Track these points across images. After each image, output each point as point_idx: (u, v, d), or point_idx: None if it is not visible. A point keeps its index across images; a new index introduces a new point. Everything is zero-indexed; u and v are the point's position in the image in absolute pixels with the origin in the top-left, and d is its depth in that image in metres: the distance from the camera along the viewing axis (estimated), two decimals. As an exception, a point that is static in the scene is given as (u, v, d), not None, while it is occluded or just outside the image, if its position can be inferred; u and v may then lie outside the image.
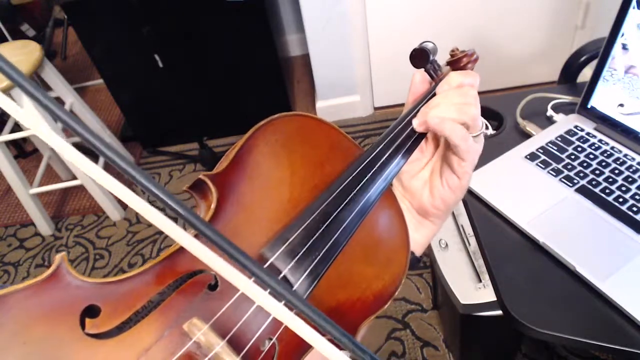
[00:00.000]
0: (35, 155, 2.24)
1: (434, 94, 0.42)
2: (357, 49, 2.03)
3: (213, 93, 2.14)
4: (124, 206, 2.02)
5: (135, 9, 1.61)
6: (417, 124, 0.42)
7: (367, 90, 2.19)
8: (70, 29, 2.78)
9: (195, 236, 0.23)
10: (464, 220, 1.15)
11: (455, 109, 0.39)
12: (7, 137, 1.72)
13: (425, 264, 1.54)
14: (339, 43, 2.00)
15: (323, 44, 2.01)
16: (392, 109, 2.25)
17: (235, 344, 0.31)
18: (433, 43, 0.45)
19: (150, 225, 1.94)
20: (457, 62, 0.47)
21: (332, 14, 1.91)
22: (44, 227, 1.96)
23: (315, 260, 0.35)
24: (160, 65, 1.76)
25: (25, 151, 2.24)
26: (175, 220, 0.21)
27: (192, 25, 1.92)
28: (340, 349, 0.23)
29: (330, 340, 0.24)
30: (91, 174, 0.19)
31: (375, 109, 2.27)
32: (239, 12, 1.83)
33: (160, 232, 1.90)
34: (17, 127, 1.85)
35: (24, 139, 2.16)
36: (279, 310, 0.22)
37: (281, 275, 0.34)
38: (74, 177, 1.86)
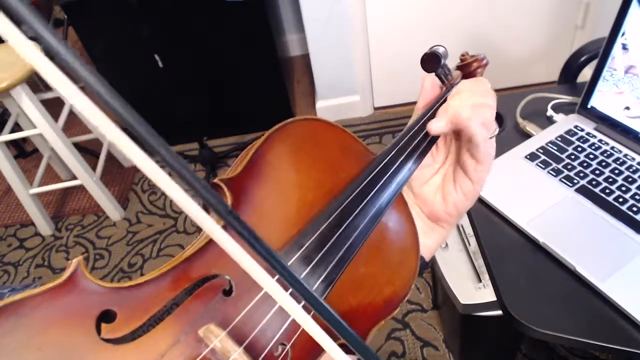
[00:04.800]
0: (35, 155, 2.24)
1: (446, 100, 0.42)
2: (357, 49, 2.03)
3: (213, 93, 2.14)
4: (124, 206, 2.02)
5: (135, 9, 1.61)
6: (440, 126, 0.40)
7: (367, 90, 2.19)
8: (71, 29, 2.78)
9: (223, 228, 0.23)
10: (464, 220, 1.15)
11: (478, 108, 0.39)
12: (7, 137, 1.72)
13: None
14: (339, 43, 2.00)
15: (323, 44, 2.01)
16: (392, 109, 2.25)
17: (250, 350, 0.31)
18: (444, 47, 0.44)
19: (150, 225, 1.94)
20: (467, 67, 0.47)
21: (332, 14, 1.91)
22: (44, 227, 1.96)
23: (330, 266, 0.35)
24: (160, 65, 1.76)
25: (25, 151, 2.24)
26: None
27: (192, 25, 1.92)
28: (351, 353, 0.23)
29: (342, 344, 0.24)
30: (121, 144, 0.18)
31: (375, 109, 2.27)
32: (239, 12, 1.83)
33: (161, 232, 1.90)
34: (17, 127, 1.85)
35: (24, 139, 2.16)
36: (299, 313, 0.22)
37: None
38: (74, 177, 1.86)
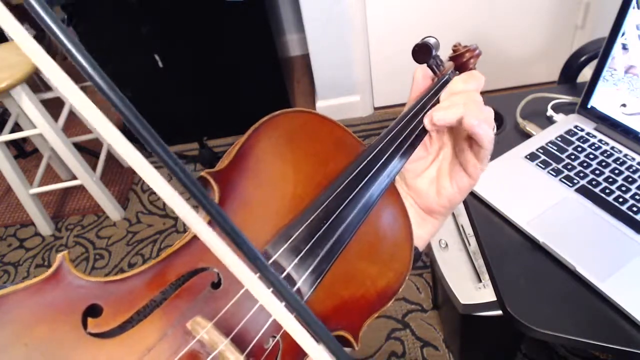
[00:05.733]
0: (35, 155, 2.24)
1: (438, 95, 0.42)
2: (357, 49, 2.03)
3: (213, 93, 2.14)
4: (124, 206, 2.02)
5: (135, 9, 1.61)
6: (446, 119, 0.38)
7: (367, 90, 2.19)
8: (70, 29, 2.78)
9: (208, 223, 0.23)
10: (464, 220, 1.15)
11: (479, 109, 0.38)
12: (7, 137, 1.72)
13: (425, 264, 1.54)
14: (339, 43, 2.00)
15: (323, 44, 2.01)
16: (392, 109, 2.26)
17: (239, 342, 0.31)
18: (435, 38, 0.44)
19: (150, 225, 1.94)
20: (459, 58, 0.47)
21: (332, 14, 1.91)
22: (44, 227, 1.96)
23: (319, 258, 0.35)
24: (160, 65, 1.76)
25: (25, 151, 2.24)
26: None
27: (192, 25, 1.92)
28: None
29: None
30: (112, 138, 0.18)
31: (375, 109, 2.27)
32: (239, 12, 1.83)
33: (161, 232, 1.90)
34: (17, 127, 1.85)
35: (24, 139, 2.16)
36: (279, 311, 0.22)
37: (285, 272, 0.34)
38: (74, 177, 1.86)
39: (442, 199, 0.43)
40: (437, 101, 0.42)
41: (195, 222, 0.20)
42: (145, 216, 1.98)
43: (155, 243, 1.87)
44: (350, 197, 0.38)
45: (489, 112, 0.39)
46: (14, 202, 2.14)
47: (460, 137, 0.41)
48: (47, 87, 1.95)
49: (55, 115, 1.74)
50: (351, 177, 0.39)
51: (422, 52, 0.43)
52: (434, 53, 0.43)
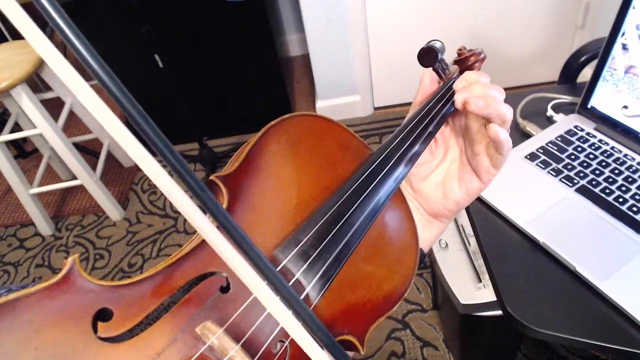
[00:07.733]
0: (35, 155, 2.24)
1: (453, 92, 0.41)
2: (357, 49, 2.03)
3: (213, 93, 2.14)
4: (124, 206, 2.02)
5: (135, 9, 1.61)
6: (477, 106, 0.38)
7: (367, 90, 2.19)
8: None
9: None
10: (464, 220, 1.15)
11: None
12: (7, 137, 1.72)
13: (425, 264, 1.54)
14: (339, 43, 2.00)
15: (323, 44, 2.01)
16: (392, 109, 2.25)
17: (248, 347, 0.31)
18: (441, 42, 0.44)
19: (150, 225, 1.94)
20: (464, 61, 0.47)
21: (332, 14, 1.91)
22: (44, 227, 1.96)
23: (327, 263, 0.35)
24: (160, 65, 1.76)
25: (25, 151, 2.24)
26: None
27: (192, 25, 1.92)
28: None
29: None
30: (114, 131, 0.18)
31: (375, 109, 2.27)
32: (239, 12, 1.83)
33: (161, 232, 1.90)
34: (17, 127, 1.85)
35: (24, 139, 2.16)
36: (286, 319, 0.22)
37: (294, 278, 0.34)
38: (74, 177, 1.86)
39: (449, 202, 0.43)
40: (443, 106, 0.42)
41: (207, 229, 0.20)
42: (145, 216, 1.98)
43: (155, 243, 1.87)
44: (359, 201, 0.38)
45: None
46: (14, 202, 2.14)
47: (475, 141, 0.41)
48: (47, 87, 1.95)
49: (55, 115, 1.74)
50: (359, 181, 0.39)
51: (428, 56, 0.43)
52: (439, 57, 0.44)
